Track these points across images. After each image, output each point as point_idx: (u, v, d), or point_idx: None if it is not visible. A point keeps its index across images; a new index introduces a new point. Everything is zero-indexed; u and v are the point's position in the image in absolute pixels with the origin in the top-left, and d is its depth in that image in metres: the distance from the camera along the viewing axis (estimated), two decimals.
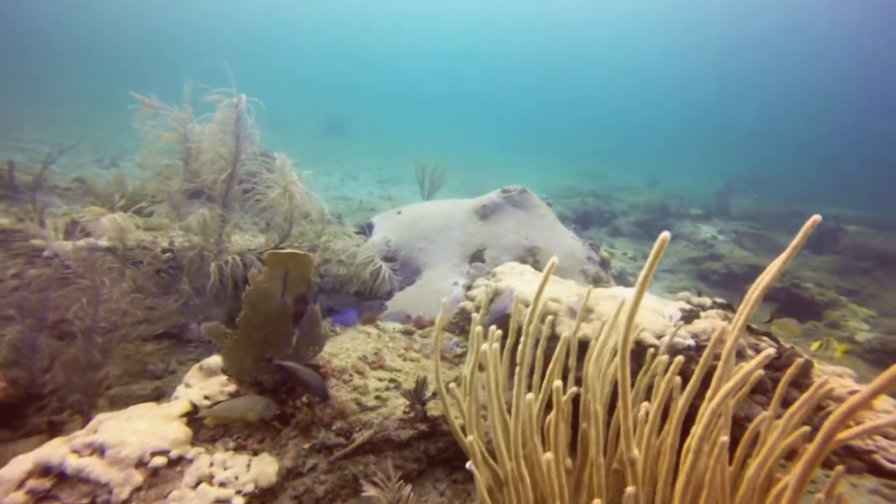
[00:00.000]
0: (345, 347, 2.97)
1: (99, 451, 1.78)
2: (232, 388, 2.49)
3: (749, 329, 2.92)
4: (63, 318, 2.63)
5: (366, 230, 5.42)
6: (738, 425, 2.56)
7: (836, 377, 2.68)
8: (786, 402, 2.65)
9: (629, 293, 3.21)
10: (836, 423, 1.19)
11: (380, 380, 2.74)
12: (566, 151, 35.77)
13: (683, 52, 59.72)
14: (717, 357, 2.57)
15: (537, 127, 48.83)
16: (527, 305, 2.98)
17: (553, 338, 2.84)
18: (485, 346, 1.53)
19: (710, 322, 2.72)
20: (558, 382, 1.41)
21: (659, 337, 2.71)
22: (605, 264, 4.82)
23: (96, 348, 2.37)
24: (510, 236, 4.56)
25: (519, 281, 3.22)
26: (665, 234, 1.21)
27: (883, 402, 2.55)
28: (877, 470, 2.35)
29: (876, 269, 10.16)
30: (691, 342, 2.61)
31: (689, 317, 2.79)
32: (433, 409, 2.56)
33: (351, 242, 4.13)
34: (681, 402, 1.48)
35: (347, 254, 3.86)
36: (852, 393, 2.52)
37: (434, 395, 2.65)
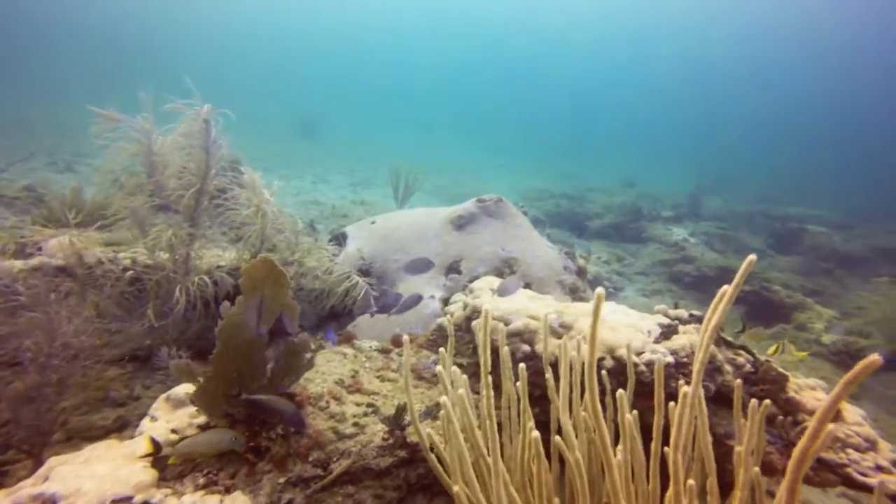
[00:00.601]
0: (321, 371, 2.89)
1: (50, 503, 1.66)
2: (202, 419, 2.38)
3: (726, 343, 2.97)
4: (14, 348, 2.46)
5: (340, 240, 5.32)
6: (719, 442, 2.60)
7: (808, 390, 2.74)
8: (766, 419, 2.69)
9: (607, 308, 3.23)
10: (802, 455, 1.20)
11: (357, 405, 2.66)
12: (539, 152, 36.19)
13: (657, 52, 61.19)
14: (691, 374, 2.59)
15: (510, 127, 49.23)
16: (506, 324, 2.97)
17: (533, 356, 2.82)
18: (443, 398, 1.45)
19: (688, 338, 2.75)
20: (536, 434, 1.37)
21: (638, 354, 2.73)
22: (581, 273, 4.85)
23: (51, 383, 2.22)
24: (486, 247, 4.54)
25: (498, 298, 3.19)
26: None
27: (853, 414, 2.62)
28: (850, 483, 2.41)
29: (837, 269, 10.59)
30: (670, 359, 2.63)
31: (667, 332, 2.82)
32: (412, 434, 2.51)
33: (325, 255, 4.03)
34: (653, 447, 1.47)
35: (323, 269, 3.77)
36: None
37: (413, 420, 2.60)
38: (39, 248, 3.74)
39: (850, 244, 13.06)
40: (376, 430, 2.50)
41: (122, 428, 2.98)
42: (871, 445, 2.52)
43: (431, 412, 2.70)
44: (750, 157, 39.13)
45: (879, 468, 2.44)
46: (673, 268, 8.95)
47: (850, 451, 2.47)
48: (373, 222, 5.16)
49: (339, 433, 2.44)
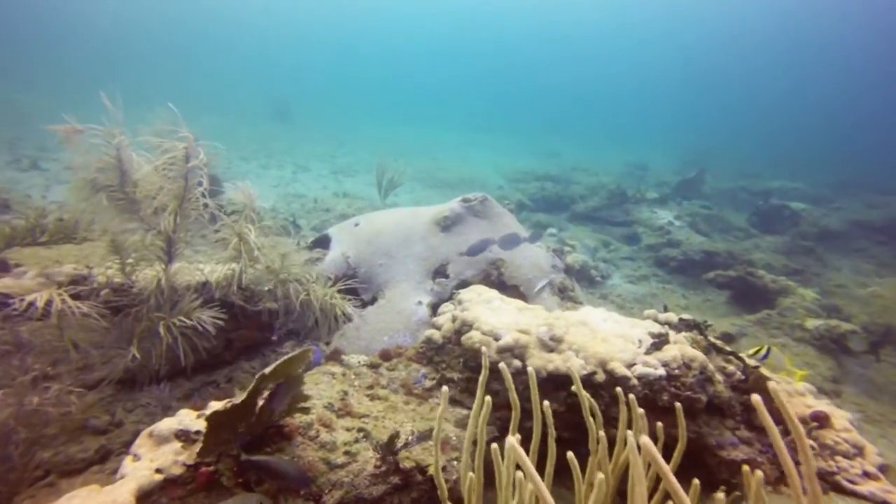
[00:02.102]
0: (308, 396, 2.84)
1: None
2: (187, 456, 2.33)
3: (716, 349, 3.00)
4: None
5: (323, 243, 5.23)
6: (711, 454, 2.64)
7: (798, 396, 2.79)
8: (752, 426, 2.74)
9: (597, 315, 3.23)
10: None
11: (348, 430, 2.64)
12: (522, 130, 35.99)
13: (642, 30, 60.68)
14: (683, 387, 2.61)
15: (494, 106, 48.75)
16: (496, 339, 2.94)
17: (524, 371, 2.80)
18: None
19: (679, 349, 2.76)
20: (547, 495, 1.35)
21: (630, 366, 2.73)
22: (569, 270, 4.84)
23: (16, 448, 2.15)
24: None
25: (486, 311, 3.16)
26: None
27: (841, 420, 2.67)
28: (839, 490, 2.47)
29: (818, 247, 10.79)
30: (662, 372, 2.64)
31: (658, 343, 2.82)
32: (405, 459, 2.49)
33: (308, 270, 3.94)
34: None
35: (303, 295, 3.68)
36: (815, 414, 2.62)
37: (406, 444, 2.58)
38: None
39: (829, 219, 13.31)
40: (368, 458, 2.48)
41: (105, 458, 2.91)
42: (859, 451, 2.57)
43: (425, 435, 2.69)
44: (732, 132, 39.50)
45: (867, 475, 2.50)
46: (659, 252, 9.03)
47: (838, 458, 2.52)
48: (357, 224, 5.07)
49: (331, 463, 2.41)
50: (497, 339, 2.92)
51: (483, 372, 1.88)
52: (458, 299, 3.46)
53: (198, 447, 2.21)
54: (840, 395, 5.12)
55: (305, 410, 2.70)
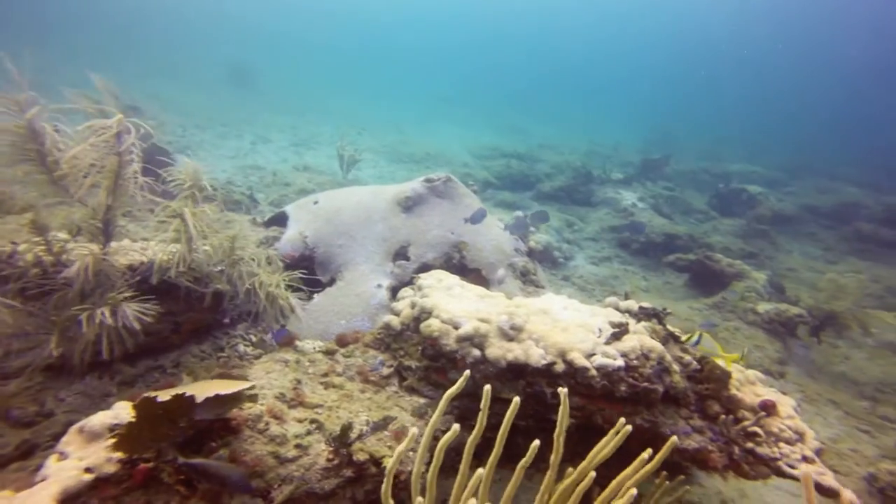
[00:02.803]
0: (259, 385, 2.73)
1: None
2: (121, 454, 2.19)
3: (674, 338, 3.03)
4: None
5: (280, 221, 5.02)
6: (665, 442, 2.68)
7: (748, 385, 2.86)
8: (706, 415, 2.80)
9: (558, 303, 3.21)
10: None
11: (300, 421, 2.55)
12: (490, 104, 35.70)
13: (607, 10, 60.67)
14: (641, 377, 2.63)
15: (463, 79, 48.04)
16: (455, 327, 2.89)
17: (483, 361, 2.77)
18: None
19: (638, 339, 2.77)
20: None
21: (589, 356, 2.73)
22: (532, 253, 4.82)
23: None
24: (435, 231, 4.40)
25: (446, 297, 3.10)
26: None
27: (786, 407, 2.76)
28: (780, 474, 2.57)
29: (772, 230, 11.22)
30: (621, 363, 2.65)
31: (618, 333, 2.83)
32: (359, 451, 2.43)
33: (258, 252, 3.75)
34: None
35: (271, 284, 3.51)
36: (764, 403, 2.70)
37: (360, 436, 2.51)
38: None
39: (783, 203, 13.87)
40: (320, 451, 2.40)
41: (29, 454, 2.67)
42: (800, 437, 2.67)
43: (380, 425, 2.63)
44: (696, 114, 40.40)
45: (805, 459, 2.60)
46: (622, 234, 9.17)
47: (781, 444, 2.61)
48: (316, 202, 4.88)
49: (280, 457, 2.32)
50: (457, 328, 2.86)
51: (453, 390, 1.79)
52: (418, 285, 3.37)
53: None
54: (784, 375, 5.37)
55: (254, 398, 2.59)
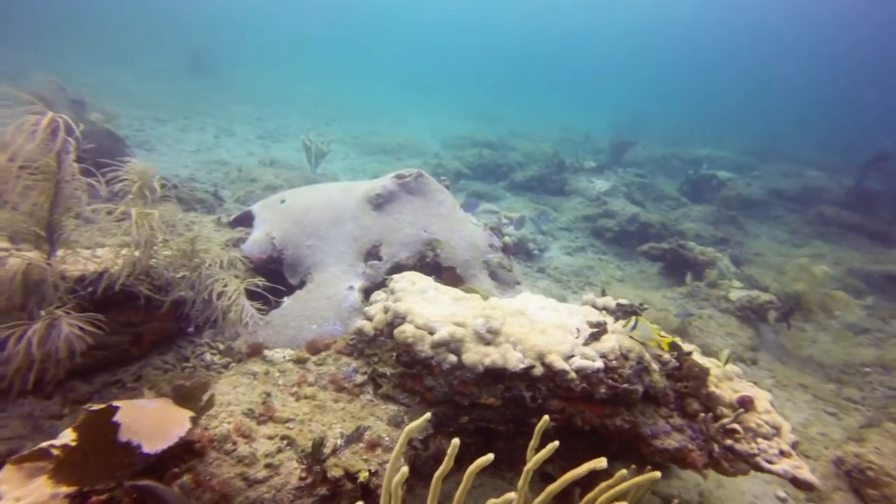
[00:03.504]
0: (226, 402, 2.61)
1: None
2: (68, 488, 2.04)
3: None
4: None
5: (246, 221, 4.85)
6: (645, 443, 2.69)
7: (726, 381, 2.88)
8: (685, 413, 2.82)
9: (535, 303, 3.17)
10: None
11: (270, 438, 2.45)
12: (460, 91, 35.51)
13: None
14: (620, 378, 2.61)
15: (434, 66, 47.58)
16: (431, 333, 2.82)
17: (461, 366, 2.71)
18: None
19: (617, 339, 2.76)
20: None
21: (568, 358, 2.70)
22: (507, 249, 4.78)
23: None
24: (407, 229, 4.31)
25: (420, 301, 3.02)
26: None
27: (763, 402, 2.80)
28: (759, 469, 2.60)
29: (740, 216, 11.49)
30: (600, 364, 2.63)
31: (597, 333, 2.81)
32: (333, 467, 2.35)
33: (222, 256, 3.60)
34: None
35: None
36: (741, 399, 2.72)
37: (334, 450, 2.43)
38: None
39: (751, 188, 14.23)
40: (292, 469, 2.31)
41: None
42: (777, 431, 2.71)
43: (354, 437, 2.55)
44: (665, 99, 41.04)
45: (782, 453, 2.64)
46: (596, 223, 9.24)
47: (759, 440, 2.64)
48: (283, 201, 4.72)
49: (250, 479, 2.23)
50: (432, 333, 2.79)
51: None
52: (391, 288, 3.29)
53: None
54: (756, 362, 5.50)
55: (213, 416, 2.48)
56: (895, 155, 16.29)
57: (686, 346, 3.22)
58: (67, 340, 2.45)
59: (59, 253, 2.96)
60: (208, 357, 3.68)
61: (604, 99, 39.72)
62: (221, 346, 3.83)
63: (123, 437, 1.91)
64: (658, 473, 1.85)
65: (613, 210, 9.42)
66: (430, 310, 2.92)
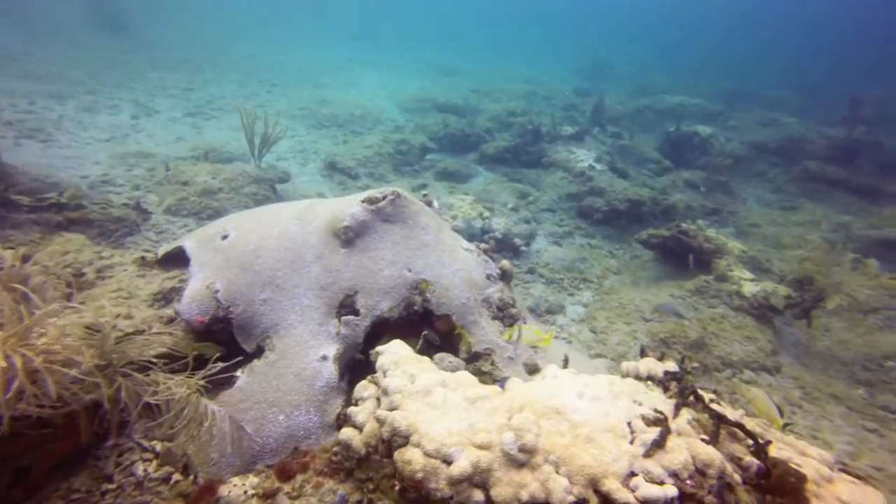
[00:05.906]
0: None
1: None
2: None
3: (720, 419, 2.49)
4: None
5: (179, 260, 4.01)
6: None
7: (825, 483, 2.39)
8: None
9: (570, 390, 2.58)
10: None
11: None
12: (413, 42, 33.75)
13: None
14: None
15: (380, 15, 44.96)
16: (447, 462, 2.19)
17: (490, 502, 2.11)
18: None
19: (688, 447, 2.20)
20: None
21: (627, 478, 2.14)
22: (506, 276, 4.15)
23: None
24: (387, 270, 3.58)
25: (426, 409, 2.37)
26: None
27: (822, 467, 2.35)
28: None
29: (731, 181, 11.19)
30: (673, 491, 2.07)
31: (660, 440, 2.24)
32: None
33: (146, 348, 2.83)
34: None
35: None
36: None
37: None
38: None
39: (731, 143, 13.99)
40: None
41: None
42: None
43: None
44: (621, 41, 40.47)
45: None
46: (582, 202, 8.66)
47: None
48: (224, 236, 3.88)
49: None
50: (448, 462, 2.16)
51: None
52: (382, 386, 2.59)
53: None
54: (780, 369, 5.18)
55: None
56: (868, 101, 16.41)
57: (729, 411, 2.73)
58: None
59: None
60: (139, 469, 2.95)
61: (566, 44, 38.64)
62: (159, 448, 3.10)
63: None
64: None
65: (600, 187, 8.86)
66: (440, 425, 2.28)
